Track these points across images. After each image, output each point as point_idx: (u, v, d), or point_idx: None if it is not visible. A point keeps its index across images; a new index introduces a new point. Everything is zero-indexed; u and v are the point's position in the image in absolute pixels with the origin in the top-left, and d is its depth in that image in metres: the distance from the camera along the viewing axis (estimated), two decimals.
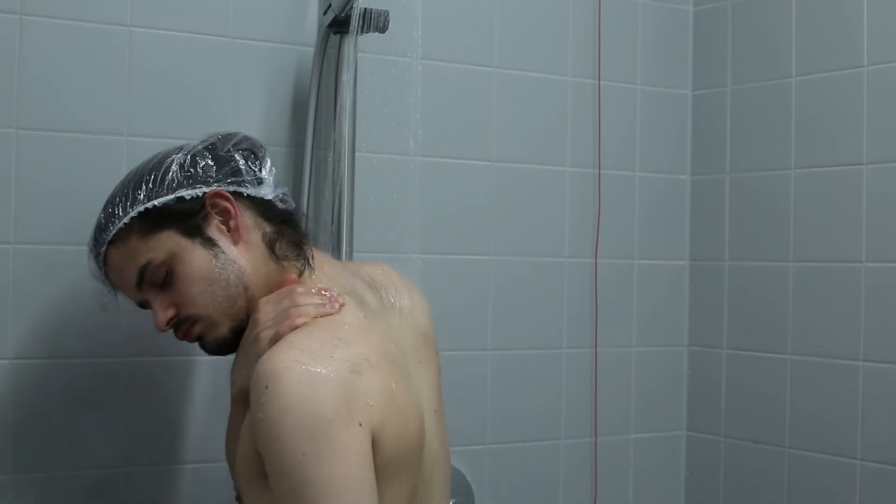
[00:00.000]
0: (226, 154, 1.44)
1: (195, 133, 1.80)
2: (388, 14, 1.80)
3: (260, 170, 1.46)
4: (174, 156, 1.42)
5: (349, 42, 1.81)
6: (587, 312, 2.22)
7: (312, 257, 1.44)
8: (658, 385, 2.31)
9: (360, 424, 1.23)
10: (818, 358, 2.07)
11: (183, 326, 1.39)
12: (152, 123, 1.78)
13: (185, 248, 1.37)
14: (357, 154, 1.85)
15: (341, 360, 1.25)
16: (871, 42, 1.99)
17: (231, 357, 1.42)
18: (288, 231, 1.45)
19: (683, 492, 2.34)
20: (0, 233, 1.67)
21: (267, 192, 1.45)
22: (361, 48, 1.86)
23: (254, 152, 1.47)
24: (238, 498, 1.42)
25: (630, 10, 2.27)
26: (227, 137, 1.47)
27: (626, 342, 2.27)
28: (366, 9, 1.78)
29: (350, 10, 1.78)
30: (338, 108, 1.84)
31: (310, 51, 1.89)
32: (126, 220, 1.38)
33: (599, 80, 2.22)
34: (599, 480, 2.22)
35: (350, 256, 1.84)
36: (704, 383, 2.30)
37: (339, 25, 1.81)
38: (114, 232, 1.38)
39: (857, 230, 2.00)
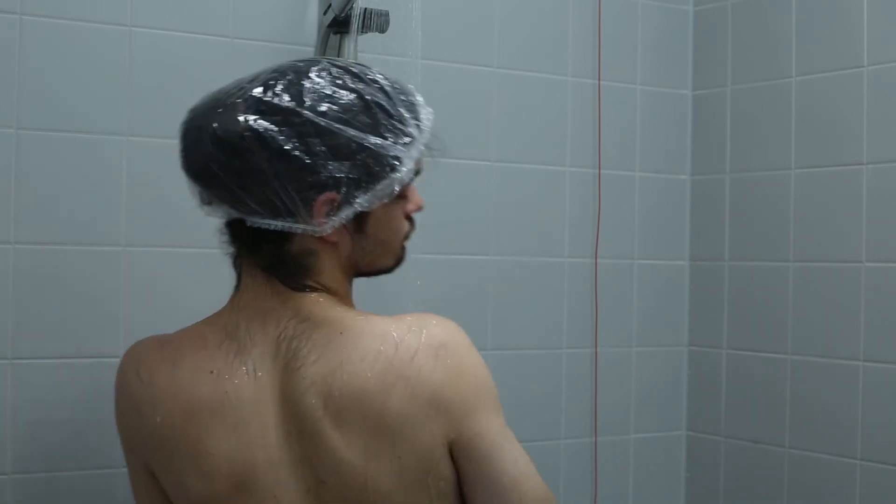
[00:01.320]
0: None
1: None
2: (388, 14, 1.80)
3: None
4: None
5: (349, 42, 1.81)
6: (587, 312, 2.22)
7: (237, 293, 1.30)
8: (658, 385, 2.31)
9: (133, 451, 1.29)
10: (818, 358, 2.07)
11: None
12: (152, 123, 1.78)
13: None
14: None
15: (147, 363, 1.26)
16: (871, 42, 1.99)
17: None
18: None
19: (683, 492, 2.34)
20: (0, 233, 1.67)
21: None
22: (361, 48, 1.86)
23: None
24: None
25: (630, 10, 2.27)
26: None
27: (626, 342, 2.27)
28: (366, 9, 1.78)
29: (350, 10, 1.78)
30: None
31: (310, 51, 1.89)
32: None
33: (599, 80, 2.22)
34: (599, 480, 2.22)
35: None
36: (704, 383, 2.30)
37: (339, 25, 1.81)
38: None
39: (857, 230, 2.00)
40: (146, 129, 1.77)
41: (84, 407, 1.74)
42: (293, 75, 1.23)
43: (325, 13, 1.85)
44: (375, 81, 1.26)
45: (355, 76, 1.24)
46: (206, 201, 1.26)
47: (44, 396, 1.70)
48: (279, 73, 1.24)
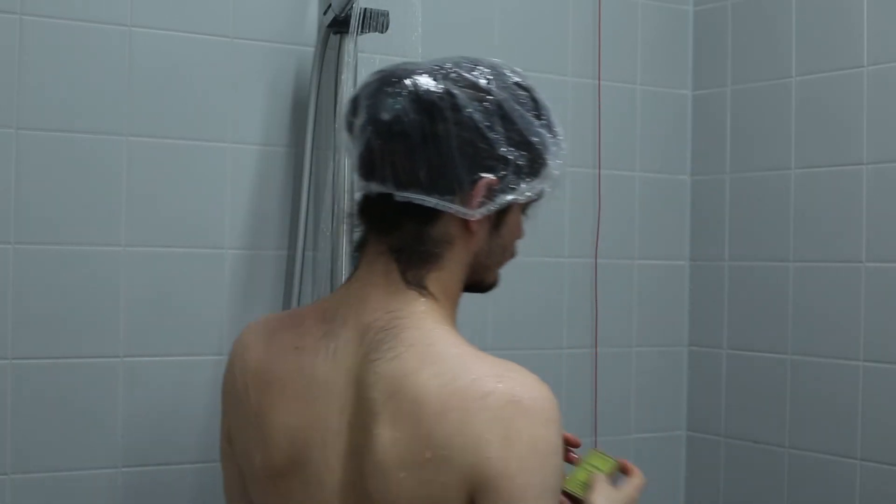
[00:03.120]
0: None
1: (196, 133, 1.82)
2: (387, 14, 1.80)
3: None
4: None
5: (349, 42, 1.81)
6: (587, 312, 2.22)
7: (346, 282, 1.30)
8: (658, 385, 2.31)
9: (224, 413, 1.34)
10: (818, 358, 2.07)
11: None
12: (152, 123, 1.78)
13: None
14: None
15: (241, 345, 1.32)
16: (871, 42, 1.99)
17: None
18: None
19: (683, 492, 2.34)
20: (0, 233, 1.67)
21: None
22: (361, 48, 1.86)
23: None
24: None
25: (630, 10, 2.27)
26: None
27: (626, 342, 2.27)
28: (366, 9, 1.78)
29: (350, 10, 1.78)
30: (338, 108, 1.84)
31: (310, 51, 1.89)
32: None
33: (599, 80, 2.22)
34: None
35: (349, 257, 1.84)
36: (704, 383, 2.30)
37: (339, 25, 1.81)
38: None
39: (857, 230, 2.00)
40: (146, 129, 1.77)
41: (84, 407, 1.74)
42: (479, 63, 1.28)
43: (325, 13, 1.85)
44: (537, 91, 1.32)
45: (525, 80, 1.30)
46: (363, 170, 1.25)
47: (44, 396, 1.70)
48: (465, 58, 1.29)
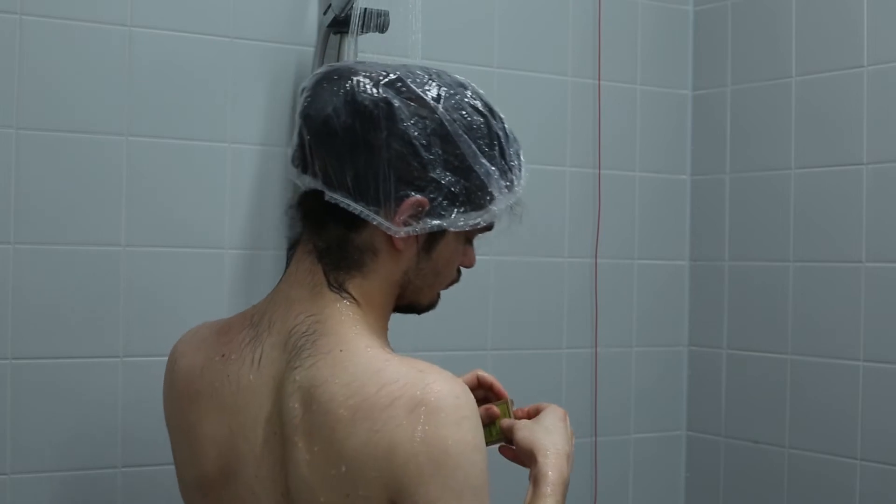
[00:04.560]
0: None
1: (196, 133, 1.82)
2: (387, 14, 1.80)
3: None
4: None
5: (349, 42, 1.81)
6: (587, 312, 2.22)
7: (277, 285, 1.28)
8: (658, 385, 2.31)
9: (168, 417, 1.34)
10: (818, 358, 2.07)
11: None
12: (152, 123, 1.78)
13: None
14: None
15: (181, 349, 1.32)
16: (871, 42, 1.99)
17: None
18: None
19: (683, 492, 2.34)
20: (0, 233, 1.67)
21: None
22: (361, 48, 1.86)
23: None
24: None
25: (630, 10, 2.27)
26: None
27: (625, 342, 2.27)
28: (366, 9, 1.78)
29: (350, 10, 1.78)
30: None
31: (310, 51, 1.89)
32: None
33: (599, 80, 2.22)
34: (599, 480, 2.22)
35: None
36: (704, 383, 2.30)
37: (339, 25, 1.81)
38: None
39: (857, 230, 2.00)
40: (146, 129, 1.78)
41: (84, 407, 1.74)
42: (436, 77, 1.22)
43: (325, 13, 1.85)
44: (502, 119, 1.26)
45: (487, 105, 1.24)
46: (299, 162, 1.22)
47: (44, 396, 1.70)
48: (425, 70, 1.23)
